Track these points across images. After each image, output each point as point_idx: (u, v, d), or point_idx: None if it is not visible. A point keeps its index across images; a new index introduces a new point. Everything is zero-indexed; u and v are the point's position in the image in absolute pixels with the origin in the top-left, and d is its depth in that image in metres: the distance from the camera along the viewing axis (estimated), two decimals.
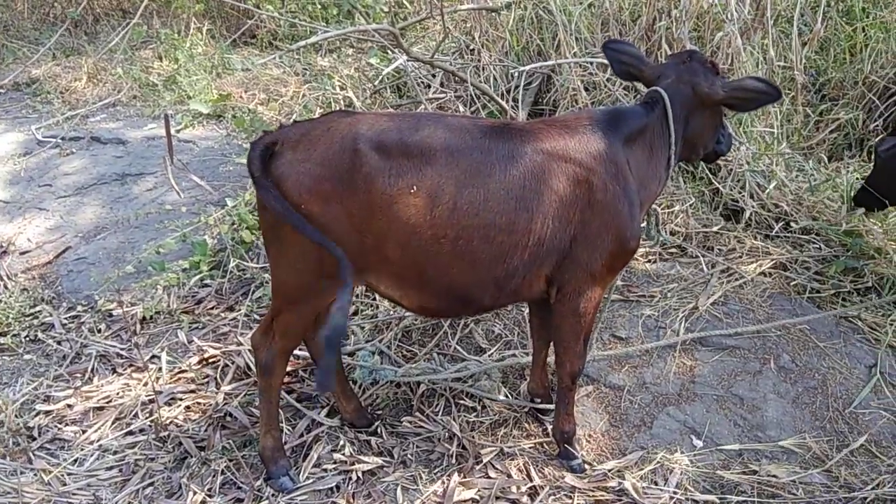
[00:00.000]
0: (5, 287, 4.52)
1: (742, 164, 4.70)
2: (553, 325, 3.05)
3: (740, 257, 4.30)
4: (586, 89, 5.32)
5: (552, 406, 3.36)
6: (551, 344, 3.23)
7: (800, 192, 4.81)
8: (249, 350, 3.79)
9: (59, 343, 4.10)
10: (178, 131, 5.94)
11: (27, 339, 4.12)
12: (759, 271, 4.16)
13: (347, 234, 2.62)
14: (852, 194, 4.29)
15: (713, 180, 4.74)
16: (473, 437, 3.32)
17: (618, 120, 2.88)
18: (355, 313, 4.22)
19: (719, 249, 4.37)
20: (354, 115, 2.78)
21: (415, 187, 2.54)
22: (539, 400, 3.43)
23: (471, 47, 5.93)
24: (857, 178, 4.90)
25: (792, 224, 4.55)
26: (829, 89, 6.06)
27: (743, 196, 4.64)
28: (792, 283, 4.12)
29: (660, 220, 3.37)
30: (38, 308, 4.38)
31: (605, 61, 4.49)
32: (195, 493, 3.01)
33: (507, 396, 3.55)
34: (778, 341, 3.72)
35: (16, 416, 3.52)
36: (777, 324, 3.78)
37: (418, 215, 2.56)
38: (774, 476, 3.09)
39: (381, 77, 5.76)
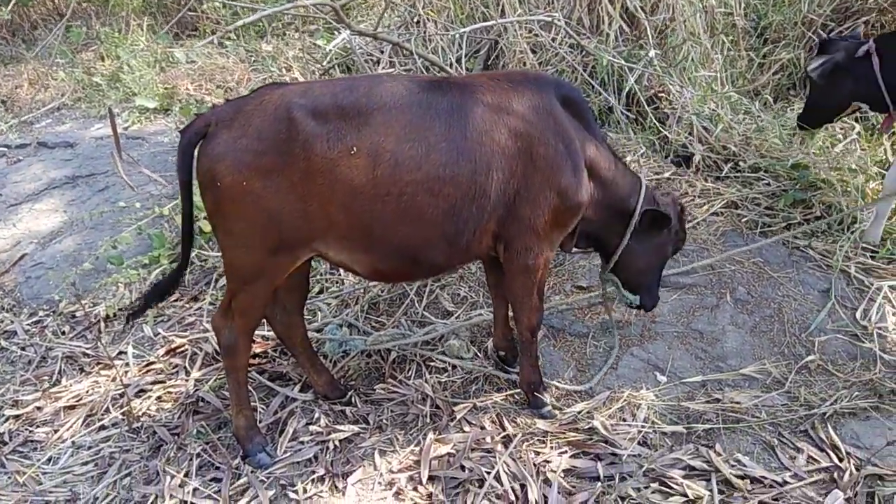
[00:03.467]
0: None
1: (688, 109, 4.78)
2: (505, 284, 3.09)
3: (692, 200, 4.39)
4: (533, 51, 5.36)
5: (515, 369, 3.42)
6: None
7: (747, 134, 4.91)
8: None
9: (23, 349, 4.05)
10: (125, 129, 5.86)
11: None
12: (712, 211, 4.26)
13: (291, 204, 2.62)
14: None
15: (662, 128, 4.82)
16: (446, 396, 3.37)
17: (560, 84, 2.93)
18: (321, 291, 4.24)
19: None
20: (286, 85, 2.75)
21: (354, 148, 2.55)
22: (504, 353, 3.49)
23: (416, 19, 5.92)
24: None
25: (741, 164, 4.66)
26: (771, 32, 6.17)
27: (692, 141, 4.73)
28: (743, 220, 4.22)
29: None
30: None
31: (547, 20, 4.54)
32: (173, 476, 3.02)
33: (474, 355, 3.60)
34: (733, 275, 3.82)
35: None
36: (730, 253, 3.87)
37: (360, 176, 2.57)
38: (737, 402, 3.19)
39: (328, 56, 5.72)
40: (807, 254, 3.99)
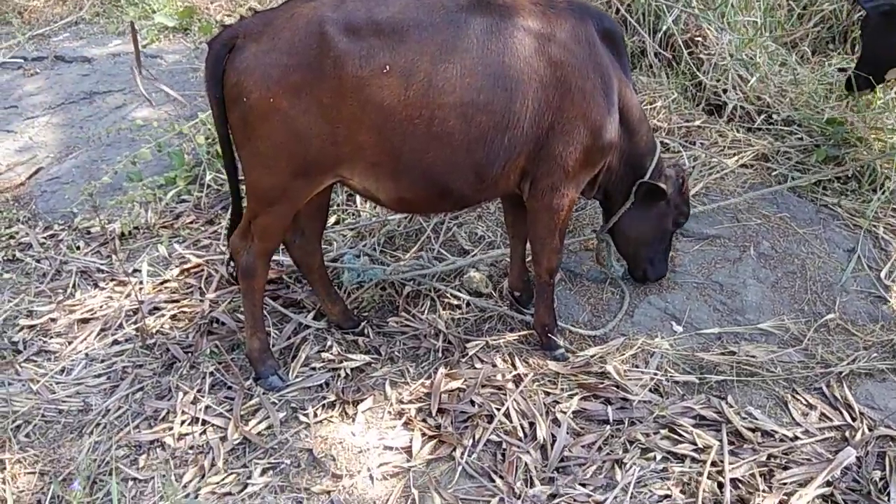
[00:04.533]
0: None
1: (725, 55, 4.61)
2: (528, 222, 3.03)
3: (722, 150, 4.27)
4: None
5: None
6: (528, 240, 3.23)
7: (783, 85, 4.74)
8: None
9: (38, 261, 4.05)
10: (144, 46, 5.73)
11: (4, 258, 4.06)
12: (741, 163, 4.15)
13: (318, 125, 2.55)
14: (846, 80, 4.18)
15: (696, 73, 4.66)
16: (459, 332, 3.36)
17: (602, 17, 2.81)
18: (336, 223, 4.19)
19: (701, 143, 4.34)
20: None
21: (387, 67, 2.46)
22: (519, 294, 3.45)
23: None
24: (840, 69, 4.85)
25: (774, 116, 4.51)
26: None
27: (726, 89, 4.57)
28: (773, 174, 4.11)
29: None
30: (13, 229, 4.30)
31: None
32: (186, 392, 3.05)
33: (491, 292, 3.56)
34: (758, 229, 3.74)
35: None
36: (751, 195, 3.79)
37: (392, 96, 2.49)
38: (753, 356, 3.16)
39: None
40: (835, 212, 3.89)
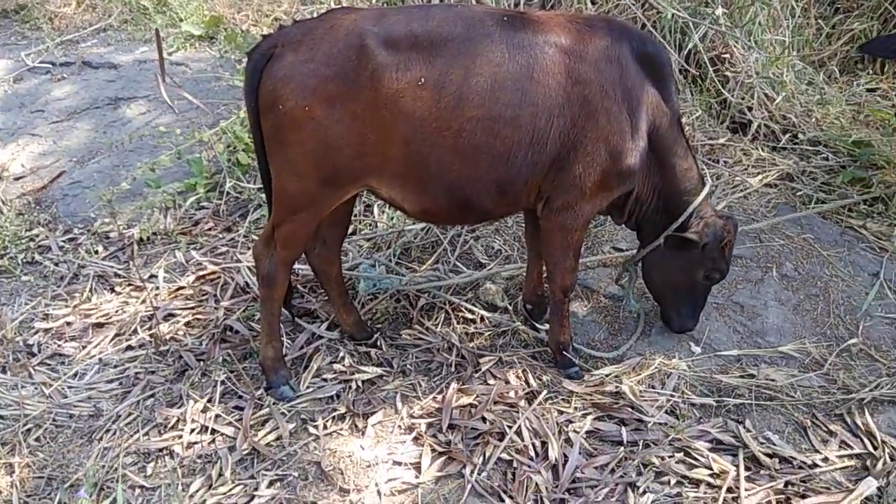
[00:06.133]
0: (0, 212, 4.48)
1: (751, 73, 4.55)
2: (542, 241, 2.99)
3: (746, 169, 4.21)
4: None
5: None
6: None
7: (809, 105, 4.68)
8: (248, 267, 3.78)
9: (56, 264, 4.08)
10: (170, 54, 5.80)
11: (24, 261, 4.10)
12: (765, 182, 4.08)
13: (349, 135, 2.56)
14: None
15: (722, 91, 4.60)
16: (472, 347, 3.32)
17: (644, 40, 2.74)
18: (353, 233, 4.17)
19: (725, 161, 4.28)
20: (357, 10, 2.66)
21: (423, 79, 2.46)
22: (532, 308, 3.41)
23: None
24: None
25: (800, 136, 4.44)
26: (843, 0, 5.83)
27: (751, 107, 4.51)
28: (798, 194, 4.04)
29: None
30: (34, 231, 4.34)
31: None
32: (196, 401, 3.04)
33: (506, 306, 3.52)
34: (781, 250, 3.67)
35: (15, 333, 3.54)
36: (776, 220, 3.71)
37: (424, 108, 2.49)
38: (772, 380, 3.08)
39: None
40: (860, 234, 3.81)
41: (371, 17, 2.54)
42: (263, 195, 3.33)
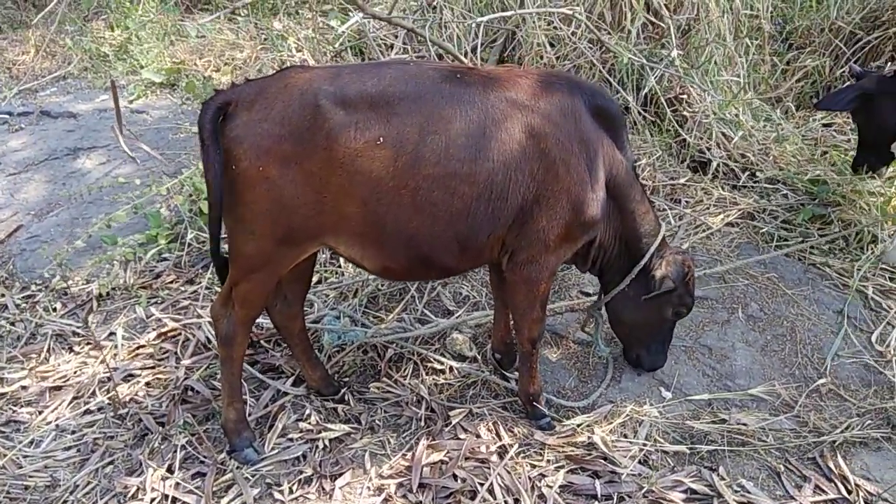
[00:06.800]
0: None
1: (708, 113, 4.63)
2: (507, 293, 2.98)
3: (707, 208, 4.26)
4: (551, 44, 5.20)
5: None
6: None
7: (767, 143, 4.77)
8: (210, 322, 3.68)
9: (12, 324, 3.95)
10: (130, 101, 5.73)
11: None
12: (727, 221, 4.13)
13: (305, 194, 2.52)
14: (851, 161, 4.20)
15: (680, 131, 4.67)
16: (442, 399, 3.26)
17: (594, 93, 2.77)
18: (319, 281, 4.12)
19: (686, 201, 4.32)
20: (311, 69, 2.64)
21: (381, 138, 2.44)
22: (500, 357, 3.37)
23: (433, 4, 5.75)
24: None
25: (758, 174, 4.52)
26: (796, 38, 6.01)
27: (710, 147, 4.58)
28: (759, 232, 4.09)
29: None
30: None
31: (568, 13, 4.39)
32: (155, 469, 2.92)
33: (475, 355, 3.48)
34: (746, 290, 3.69)
35: None
36: (740, 263, 3.74)
37: (382, 167, 2.46)
38: (744, 424, 3.07)
39: (340, 38, 5.57)
40: (823, 271, 3.86)
41: (325, 76, 2.52)
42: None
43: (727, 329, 3.52)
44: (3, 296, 4.15)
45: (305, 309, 3.77)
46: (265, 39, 6.50)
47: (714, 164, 4.51)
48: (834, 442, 3.00)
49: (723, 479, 2.83)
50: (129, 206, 4.28)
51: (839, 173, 4.31)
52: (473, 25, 5.21)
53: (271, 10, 7.19)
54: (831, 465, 2.90)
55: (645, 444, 2.98)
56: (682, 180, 4.45)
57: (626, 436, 3.05)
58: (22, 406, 3.39)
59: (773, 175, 4.44)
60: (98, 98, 6.21)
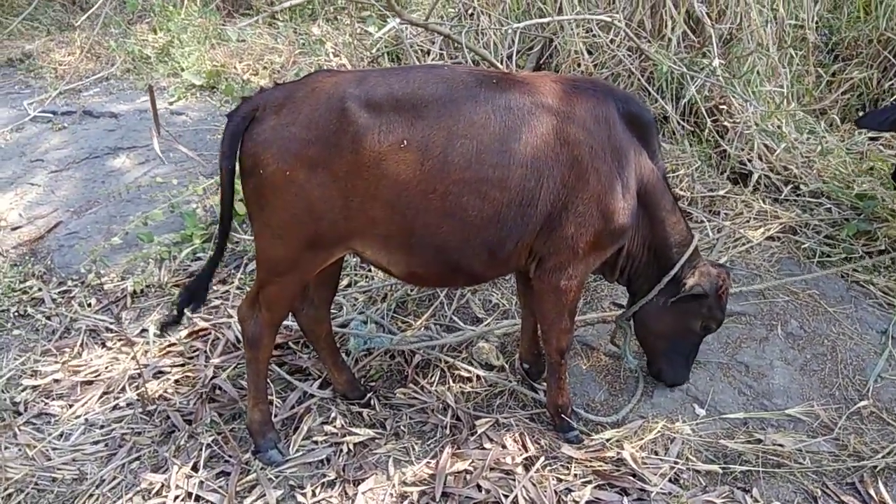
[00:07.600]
0: None
1: (750, 124, 4.52)
2: (535, 302, 2.92)
3: (747, 221, 4.15)
4: (589, 52, 5.14)
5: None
6: None
7: (810, 155, 4.63)
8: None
9: (48, 318, 4.02)
10: (170, 103, 5.82)
11: (16, 314, 4.04)
12: (767, 235, 4.01)
13: (332, 198, 2.51)
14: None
15: (720, 142, 4.57)
16: (468, 407, 3.22)
17: (628, 100, 2.73)
18: (349, 285, 4.11)
19: (725, 213, 4.22)
20: (339, 73, 2.64)
21: (405, 141, 2.42)
22: (528, 367, 3.32)
23: (469, 11, 5.74)
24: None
25: (801, 187, 4.39)
26: (842, 48, 5.84)
27: (751, 158, 4.47)
28: (801, 248, 3.96)
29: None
30: (28, 283, 4.29)
31: (607, 20, 4.33)
32: (180, 467, 2.93)
33: (503, 364, 3.43)
34: (786, 307, 3.58)
35: (2, 390, 3.45)
36: (779, 282, 3.62)
37: (408, 171, 2.44)
38: (780, 445, 2.97)
39: (377, 44, 5.59)
40: (867, 290, 3.72)
41: (352, 79, 2.51)
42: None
43: (765, 346, 3.41)
44: (40, 290, 4.23)
45: (333, 311, 3.78)
46: (303, 44, 6.56)
47: (755, 176, 4.39)
48: (875, 467, 2.87)
49: (756, 501, 2.74)
50: (166, 205, 4.34)
51: (885, 187, 4.16)
52: (510, 32, 5.18)
53: (310, 15, 7.26)
54: (871, 491, 2.78)
55: (676, 462, 2.89)
56: (721, 192, 4.35)
57: (656, 452, 2.96)
58: (53, 399, 3.44)
59: (817, 188, 4.31)
60: (139, 99, 6.32)
